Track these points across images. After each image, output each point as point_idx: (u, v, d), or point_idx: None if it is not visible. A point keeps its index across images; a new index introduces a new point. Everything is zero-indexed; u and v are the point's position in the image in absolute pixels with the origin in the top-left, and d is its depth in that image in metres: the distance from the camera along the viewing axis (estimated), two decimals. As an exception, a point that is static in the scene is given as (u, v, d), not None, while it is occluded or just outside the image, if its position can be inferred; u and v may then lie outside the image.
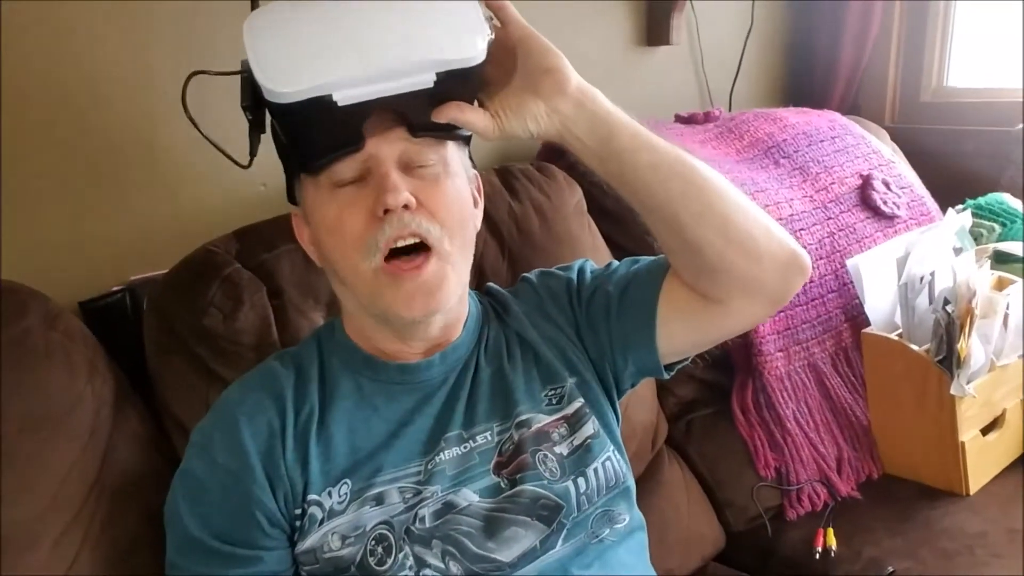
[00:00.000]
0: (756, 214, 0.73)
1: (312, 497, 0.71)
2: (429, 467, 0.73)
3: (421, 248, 0.69)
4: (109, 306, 1.05)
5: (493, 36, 0.66)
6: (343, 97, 0.62)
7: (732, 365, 1.27)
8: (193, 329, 0.92)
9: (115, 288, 1.06)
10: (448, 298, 0.72)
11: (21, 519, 0.77)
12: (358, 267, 0.69)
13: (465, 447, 0.75)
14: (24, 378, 0.81)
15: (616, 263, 0.86)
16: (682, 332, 0.78)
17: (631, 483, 0.81)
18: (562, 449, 0.77)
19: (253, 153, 0.71)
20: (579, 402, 0.79)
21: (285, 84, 0.61)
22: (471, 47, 0.64)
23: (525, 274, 0.89)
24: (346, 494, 0.71)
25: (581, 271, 0.86)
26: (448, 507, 0.72)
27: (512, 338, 0.82)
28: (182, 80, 0.71)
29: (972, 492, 1.17)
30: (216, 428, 0.73)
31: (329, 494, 0.71)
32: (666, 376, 0.83)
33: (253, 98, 0.65)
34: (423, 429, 0.75)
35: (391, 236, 0.67)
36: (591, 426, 0.79)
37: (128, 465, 0.87)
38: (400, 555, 0.70)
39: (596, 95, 0.69)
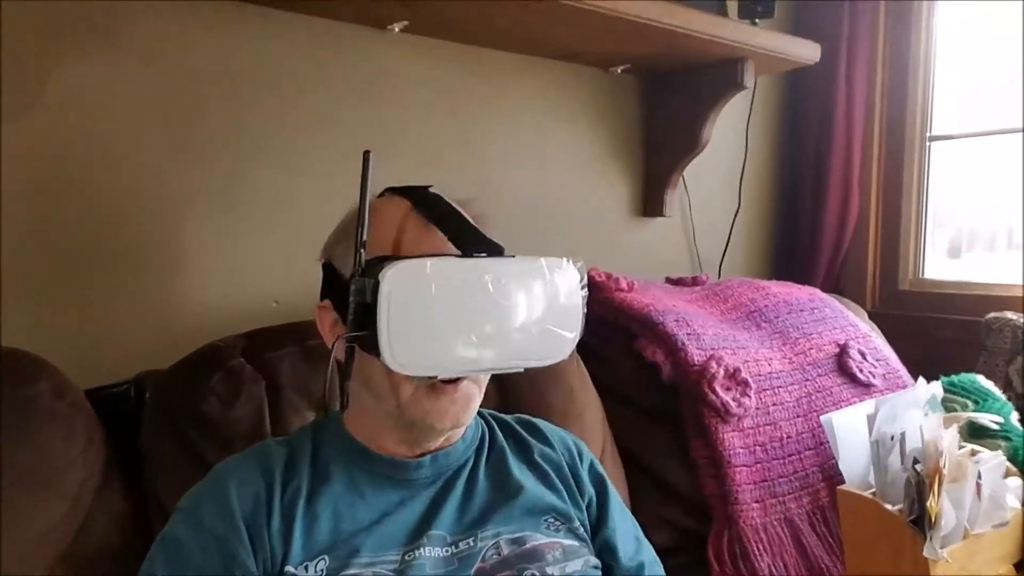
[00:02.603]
0: None
1: (289, 569, 0.72)
2: (407, 558, 0.75)
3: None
4: (114, 396, 1.08)
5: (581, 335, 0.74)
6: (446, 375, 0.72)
7: (709, 513, 1.28)
8: (190, 413, 0.97)
9: (122, 381, 1.11)
10: (472, 413, 0.79)
11: (-10, 573, 0.78)
12: (402, 384, 0.75)
13: (447, 551, 0.77)
14: (25, 436, 0.85)
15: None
16: None
17: None
18: (554, 571, 0.79)
19: (344, 404, 0.78)
20: (577, 540, 0.83)
21: (404, 367, 0.69)
22: (567, 351, 0.74)
23: (563, 432, 0.95)
24: (322, 570, 0.73)
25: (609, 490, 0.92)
26: None
27: (535, 453, 0.88)
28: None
29: (955, 667, 1.13)
30: (205, 493, 0.76)
31: (306, 568, 0.73)
32: None
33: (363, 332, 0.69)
34: (406, 522, 0.78)
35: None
36: (581, 564, 0.81)
37: (103, 538, 0.89)
38: None
39: None
